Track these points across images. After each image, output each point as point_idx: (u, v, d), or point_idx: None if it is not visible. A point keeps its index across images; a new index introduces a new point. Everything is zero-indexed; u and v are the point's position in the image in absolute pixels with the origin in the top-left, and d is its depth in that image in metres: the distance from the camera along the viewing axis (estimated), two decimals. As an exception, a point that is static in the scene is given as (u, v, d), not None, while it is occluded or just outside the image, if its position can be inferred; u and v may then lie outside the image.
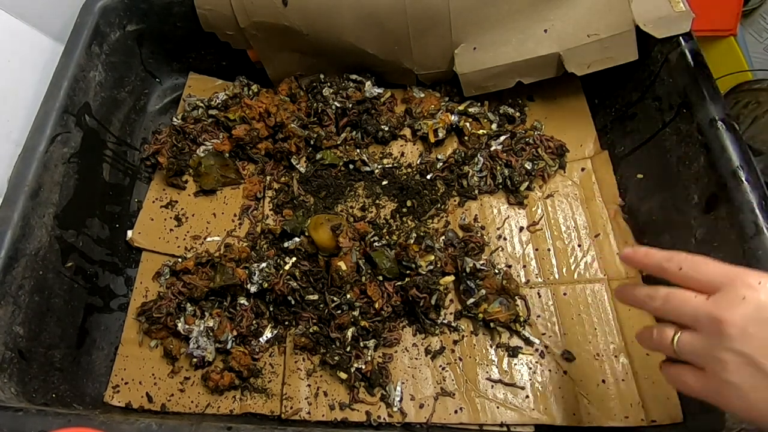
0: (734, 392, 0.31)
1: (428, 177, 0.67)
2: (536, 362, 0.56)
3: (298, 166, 0.68)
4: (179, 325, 0.58)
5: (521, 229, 0.64)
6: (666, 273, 0.34)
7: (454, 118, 0.68)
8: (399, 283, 0.59)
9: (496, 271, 0.59)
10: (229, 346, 0.57)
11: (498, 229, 0.64)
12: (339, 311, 0.58)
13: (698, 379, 0.33)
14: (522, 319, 0.57)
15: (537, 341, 0.57)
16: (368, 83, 0.71)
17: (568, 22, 0.60)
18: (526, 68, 0.62)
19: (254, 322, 0.59)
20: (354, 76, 0.72)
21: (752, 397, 0.30)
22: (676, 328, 0.34)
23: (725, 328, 0.30)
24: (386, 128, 0.69)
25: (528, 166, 0.65)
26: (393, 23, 0.63)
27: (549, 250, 0.62)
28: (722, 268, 0.32)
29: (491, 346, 0.57)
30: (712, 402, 0.33)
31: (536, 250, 0.63)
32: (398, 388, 0.55)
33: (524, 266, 0.62)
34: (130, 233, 0.66)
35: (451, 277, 0.59)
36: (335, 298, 0.58)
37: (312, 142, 0.69)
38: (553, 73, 0.62)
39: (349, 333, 0.57)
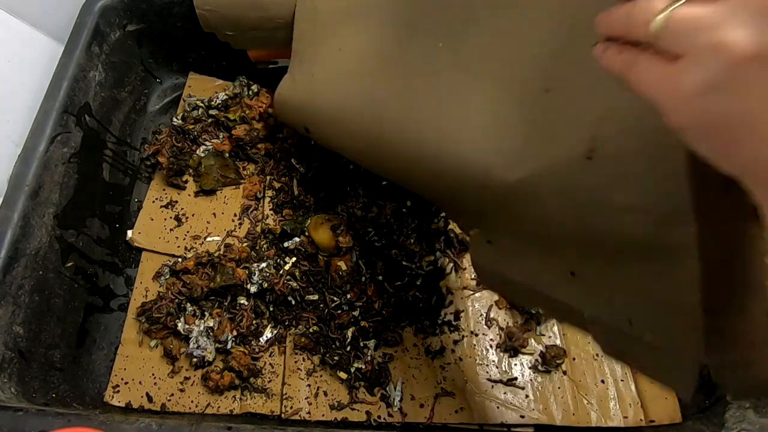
0: (699, 82, 0.20)
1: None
2: (536, 362, 0.56)
3: (298, 166, 0.68)
4: (179, 325, 0.58)
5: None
6: None
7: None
8: (399, 283, 0.59)
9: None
10: (229, 346, 0.57)
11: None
12: (339, 311, 0.58)
13: (667, 75, 0.21)
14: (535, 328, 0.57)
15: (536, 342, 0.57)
16: None
17: (603, 283, 0.36)
18: (546, 302, 0.42)
19: (254, 322, 0.59)
20: None
21: (744, 98, 0.19)
22: (666, 2, 0.21)
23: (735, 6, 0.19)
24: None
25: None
26: (415, 179, 0.49)
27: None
28: None
29: (491, 346, 0.58)
30: (662, 101, 0.22)
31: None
32: (398, 388, 0.55)
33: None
34: (130, 233, 0.66)
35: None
36: (335, 298, 0.58)
37: (312, 143, 0.69)
38: (575, 324, 0.41)
39: (349, 333, 0.57)
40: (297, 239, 0.62)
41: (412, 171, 0.47)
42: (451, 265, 0.62)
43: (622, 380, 0.54)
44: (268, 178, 0.69)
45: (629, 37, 0.24)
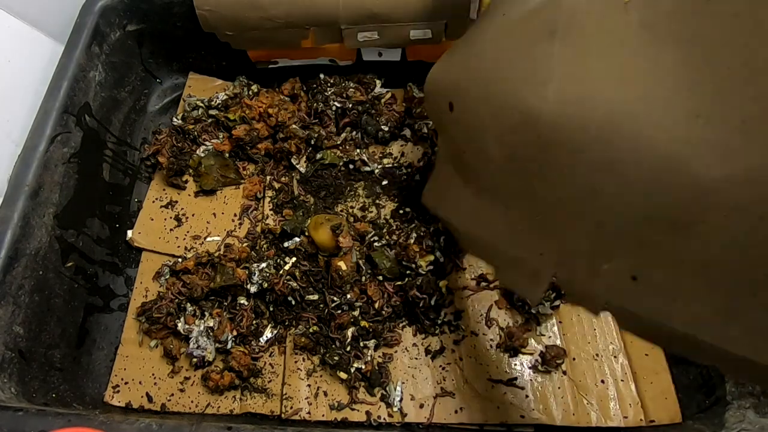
0: None
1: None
2: (536, 362, 0.56)
3: (298, 166, 0.68)
4: (179, 325, 0.58)
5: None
6: None
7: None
8: (399, 283, 0.59)
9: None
10: (229, 346, 0.57)
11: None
12: (339, 311, 0.58)
13: None
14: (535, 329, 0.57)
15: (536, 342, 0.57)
16: (378, 82, 0.71)
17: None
18: (711, 354, 0.34)
19: (254, 322, 0.59)
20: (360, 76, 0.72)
21: None
22: None
23: None
24: (386, 128, 0.69)
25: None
26: (540, 179, 0.40)
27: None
28: None
29: (491, 346, 0.58)
30: None
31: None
32: (398, 388, 0.55)
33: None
34: (130, 233, 0.66)
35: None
36: (335, 298, 0.58)
37: (312, 142, 0.69)
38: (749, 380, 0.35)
39: (349, 333, 0.57)
40: (297, 239, 0.62)
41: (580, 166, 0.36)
42: (451, 265, 0.62)
43: (622, 380, 0.54)
44: (268, 178, 0.69)
45: None
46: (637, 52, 0.35)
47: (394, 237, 0.63)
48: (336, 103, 0.70)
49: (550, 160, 0.37)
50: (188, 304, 0.60)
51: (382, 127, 0.69)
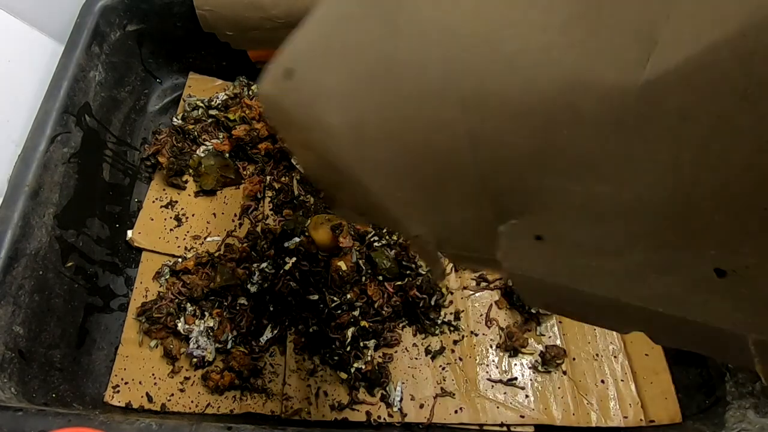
0: None
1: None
2: (536, 362, 0.56)
3: (298, 166, 0.68)
4: (179, 325, 0.58)
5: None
6: None
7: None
8: (399, 283, 0.59)
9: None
10: (229, 346, 0.57)
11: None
12: (339, 311, 0.58)
13: None
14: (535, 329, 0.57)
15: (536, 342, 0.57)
16: None
17: None
18: (663, 324, 0.27)
19: (254, 322, 0.59)
20: None
21: None
22: None
23: None
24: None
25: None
26: (412, 144, 0.30)
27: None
28: None
29: (491, 346, 0.58)
30: None
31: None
32: (398, 388, 0.55)
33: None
34: (130, 233, 0.66)
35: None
36: (335, 298, 0.58)
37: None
38: (732, 361, 0.32)
39: (349, 333, 0.57)
40: (297, 239, 0.62)
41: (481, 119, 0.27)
42: (451, 265, 0.62)
43: (622, 380, 0.54)
44: (268, 178, 0.69)
45: None
46: None
47: (394, 237, 0.63)
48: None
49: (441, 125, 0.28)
50: (188, 304, 0.60)
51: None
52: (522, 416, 0.54)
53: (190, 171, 0.70)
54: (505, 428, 0.54)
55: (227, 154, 0.70)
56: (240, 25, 0.66)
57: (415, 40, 0.29)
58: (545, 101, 0.24)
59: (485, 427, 0.54)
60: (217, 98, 0.72)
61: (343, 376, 0.56)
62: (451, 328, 0.59)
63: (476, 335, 0.58)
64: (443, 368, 0.57)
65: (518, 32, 0.25)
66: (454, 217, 0.32)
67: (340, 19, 0.35)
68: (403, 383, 0.56)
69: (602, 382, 0.54)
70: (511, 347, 0.57)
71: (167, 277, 0.63)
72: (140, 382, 0.57)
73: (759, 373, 0.24)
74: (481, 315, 0.59)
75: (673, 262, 0.25)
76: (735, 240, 0.22)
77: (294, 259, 0.61)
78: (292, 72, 0.34)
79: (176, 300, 0.60)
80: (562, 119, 0.24)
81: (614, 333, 0.57)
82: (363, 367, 0.56)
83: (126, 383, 0.57)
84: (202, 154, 0.69)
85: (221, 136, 0.70)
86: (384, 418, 0.54)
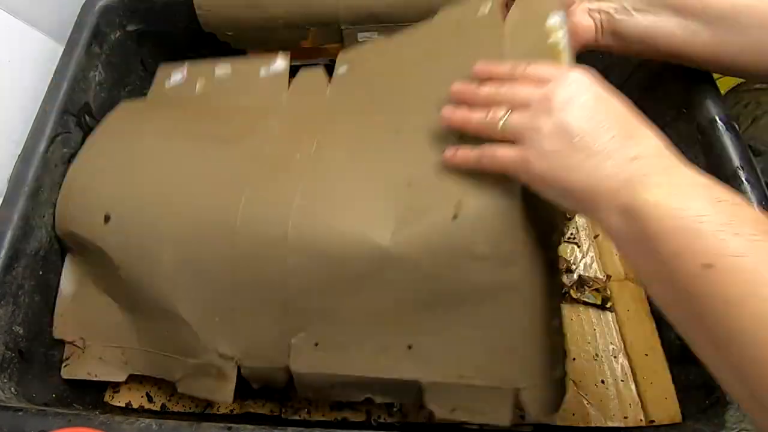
0: (535, 154, 0.35)
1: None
2: (536, 362, 0.56)
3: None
4: (179, 325, 0.58)
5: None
6: (513, 74, 0.39)
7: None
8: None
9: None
10: (229, 346, 0.57)
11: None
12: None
13: (510, 150, 0.36)
14: None
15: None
16: None
17: (439, 344, 0.43)
18: (380, 388, 0.46)
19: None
20: None
21: (548, 158, 0.34)
22: (506, 108, 0.37)
23: (552, 102, 0.35)
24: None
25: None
26: (217, 281, 0.46)
27: (549, 250, 0.62)
28: (556, 67, 0.38)
29: (491, 346, 0.58)
30: (515, 170, 0.36)
31: (536, 250, 0.62)
32: (398, 388, 0.56)
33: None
34: (130, 233, 0.66)
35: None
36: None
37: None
38: (412, 400, 0.46)
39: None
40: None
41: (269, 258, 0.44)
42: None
43: (622, 380, 0.54)
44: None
45: (483, 135, 0.38)
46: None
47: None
48: (336, 103, 0.70)
49: (243, 264, 0.45)
50: (188, 304, 0.60)
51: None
52: (522, 416, 0.53)
53: (190, 171, 0.69)
54: (505, 428, 0.53)
55: (227, 154, 0.69)
56: (240, 25, 0.66)
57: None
58: (337, 251, 0.42)
59: (485, 427, 0.54)
60: (217, 98, 0.72)
61: (343, 376, 0.56)
62: (451, 328, 0.59)
63: (476, 335, 0.58)
64: (443, 368, 0.57)
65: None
66: (260, 336, 0.46)
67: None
68: (403, 383, 0.56)
69: (602, 382, 0.54)
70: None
71: (167, 277, 0.62)
72: (140, 382, 0.57)
73: (427, 406, 0.44)
74: (481, 315, 0.59)
75: (387, 343, 0.44)
76: (416, 329, 0.43)
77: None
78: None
79: (176, 300, 0.60)
80: (342, 262, 0.42)
81: (614, 333, 0.57)
82: (363, 367, 0.56)
83: (126, 383, 0.57)
84: (202, 154, 0.69)
85: (221, 136, 0.70)
86: (384, 418, 0.54)
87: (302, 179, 0.46)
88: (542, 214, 0.40)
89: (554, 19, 0.42)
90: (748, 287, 0.25)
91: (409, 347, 0.43)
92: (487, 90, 0.39)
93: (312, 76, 0.58)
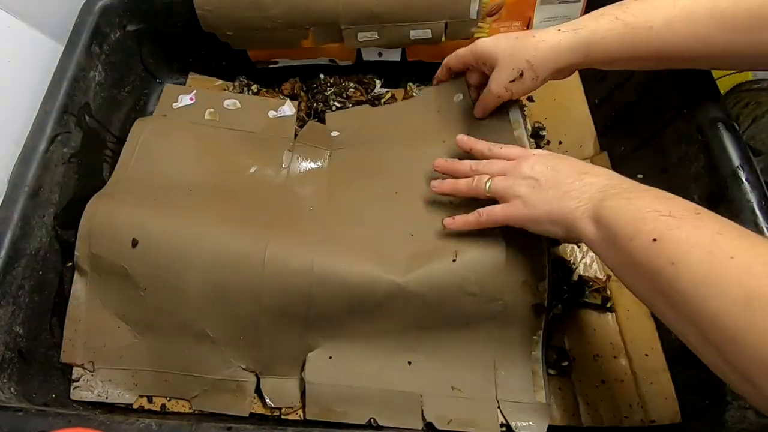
0: (521, 202, 0.45)
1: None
2: (536, 362, 0.56)
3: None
4: (179, 325, 0.58)
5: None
6: (486, 154, 0.51)
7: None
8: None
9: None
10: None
11: (498, 229, 0.64)
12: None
13: (501, 207, 0.47)
14: None
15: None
16: (378, 82, 0.71)
17: (434, 361, 0.52)
18: (382, 402, 0.51)
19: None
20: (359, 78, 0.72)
21: (531, 200, 0.45)
22: (488, 177, 0.48)
23: (523, 168, 0.46)
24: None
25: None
26: (243, 304, 0.51)
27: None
28: (521, 148, 0.51)
29: (491, 347, 0.58)
30: (508, 220, 0.46)
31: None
32: (398, 389, 0.56)
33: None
34: (130, 233, 0.66)
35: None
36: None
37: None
38: (412, 410, 0.51)
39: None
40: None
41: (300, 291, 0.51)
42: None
43: (622, 380, 0.54)
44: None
45: (471, 196, 0.50)
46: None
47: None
48: (336, 103, 0.70)
49: (270, 291, 0.51)
50: (188, 304, 0.60)
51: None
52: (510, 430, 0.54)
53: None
54: (504, 428, 0.53)
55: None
56: (240, 25, 0.66)
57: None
58: (357, 284, 0.50)
59: (485, 427, 0.54)
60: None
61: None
62: (451, 328, 0.59)
63: (476, 335, 0.58)
64: (443, 368, 0.57)
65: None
66: (281, 353, 0.53)
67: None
68: (402, 383, 0.57)
69: (602, 382, 0.54)
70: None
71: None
72: (140, 382, 0.57)
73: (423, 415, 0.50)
74: (481, 315, 0.59)
75: (391, 359, 0.52)
76: (416, 348, 0.53)
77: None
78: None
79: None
80: (362, 294, 0.50)
81: (614, 333, 0.57)
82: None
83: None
84: (202, 154, 0.69)
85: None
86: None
87: (321, 226, 0.55)
88: (529, 265, 0.50)
89: (515, 115, 0.57)
90: (683, 248, 0.34)
91: (410, 363, 0.52)
92: (469, 164, 0.51)
93: (315, 130, 0.67)
